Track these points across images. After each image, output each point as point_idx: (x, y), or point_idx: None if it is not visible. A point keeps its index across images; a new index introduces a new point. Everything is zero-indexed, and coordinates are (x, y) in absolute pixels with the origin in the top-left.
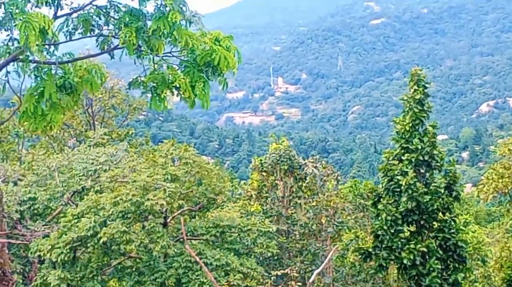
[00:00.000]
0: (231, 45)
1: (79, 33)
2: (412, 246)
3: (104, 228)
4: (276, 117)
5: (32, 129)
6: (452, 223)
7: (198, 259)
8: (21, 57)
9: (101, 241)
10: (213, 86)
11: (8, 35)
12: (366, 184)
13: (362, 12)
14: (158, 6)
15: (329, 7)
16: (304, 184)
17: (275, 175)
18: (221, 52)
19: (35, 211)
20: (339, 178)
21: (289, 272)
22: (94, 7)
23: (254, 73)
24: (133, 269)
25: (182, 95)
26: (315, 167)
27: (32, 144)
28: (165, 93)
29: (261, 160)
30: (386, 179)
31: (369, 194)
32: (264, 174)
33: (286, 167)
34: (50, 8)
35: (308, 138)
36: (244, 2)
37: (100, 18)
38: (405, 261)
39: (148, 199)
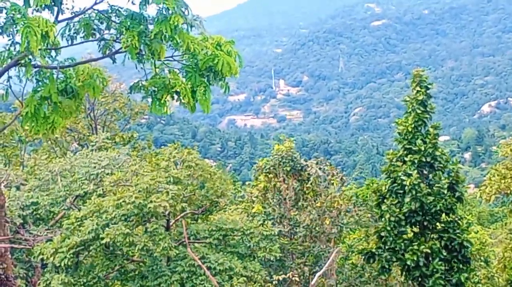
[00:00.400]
0: (232, 50)
1: (80, 38)
2: (415, 247)
3: (107, 229)
4: (278, 120)
5: (34, 132)
6: (456, 223)
7: (201, 263)
8: (22, 62)
9: (103, 241)
10: (215, 89)
11: (10, 39)
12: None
13: (363, 14)
14: (160, 9)
15: (330, 9)
16: (307, 185)
17: (278, 176)
18: (223, 58)
19: (38, 216)
20: (343, 178)
21: (290, 277)
22: (95, 11)
23: (256, 75)
24: (136, 273)
25: (182, 101)
26: (320, 168)
27: (34, 148)
28: (166, 98)
29: (267, 161)
30: (390, 180)
31: (373, 194)
32: (268, 175)
33: (288, 168)
34: (51, 12)
35: (310, 140)
36: (245, 5)
37: (101, 23)
38: (408, 262)
39: (151, 201)
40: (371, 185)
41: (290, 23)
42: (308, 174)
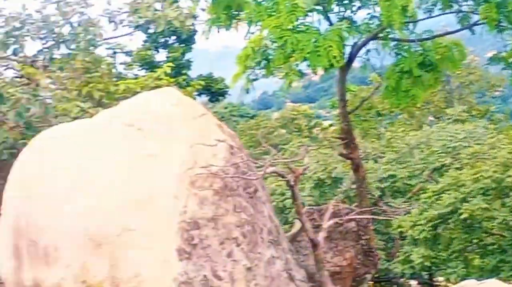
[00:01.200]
0: None
1: (438, 10)
2: None
3: (465, 204)
4: None
5: (394, 105)
6: None
7: None
8: (381, 35)
9: (461, 217)
10: None
11: (368, 13)
12: None
13: None
14: None
15: None
16: None
17: None
18: None
19: (395, 188)
20: None
21: None
22: None
23: None
24: (495, 247)
25: None
26: None
27: (390, 121)
28: None
29: None
30: None
31: None
32: None
33: None
34: None
35: None
36: None
37: None
38: None
39: (508, 176)
40: None
41: None
42: None
